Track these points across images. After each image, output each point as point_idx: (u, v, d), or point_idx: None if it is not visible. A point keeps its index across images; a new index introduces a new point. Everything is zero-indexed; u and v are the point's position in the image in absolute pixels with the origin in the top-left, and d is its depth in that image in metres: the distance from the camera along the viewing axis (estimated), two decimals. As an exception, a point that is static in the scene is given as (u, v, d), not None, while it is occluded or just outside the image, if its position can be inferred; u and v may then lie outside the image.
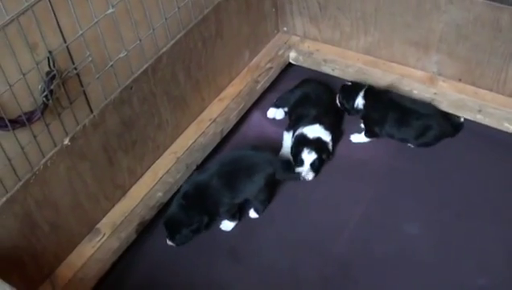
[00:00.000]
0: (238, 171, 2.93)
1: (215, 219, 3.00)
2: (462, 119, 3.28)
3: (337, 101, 3.43)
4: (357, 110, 3.35)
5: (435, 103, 3.32)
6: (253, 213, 3.06)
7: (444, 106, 3.31)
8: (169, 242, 2.91)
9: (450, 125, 3.26)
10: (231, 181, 2.90)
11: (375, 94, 3.33)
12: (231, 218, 3.01)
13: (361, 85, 3.37)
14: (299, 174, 3.11)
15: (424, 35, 3.29)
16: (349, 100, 3.36)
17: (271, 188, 3.08)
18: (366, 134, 3.35)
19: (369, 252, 2.83)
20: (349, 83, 3.44)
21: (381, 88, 3.41)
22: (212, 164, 3.00)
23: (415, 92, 3.36)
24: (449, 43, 3.23)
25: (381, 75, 3.45)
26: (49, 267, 2.70)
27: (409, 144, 3.27)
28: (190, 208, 2.86)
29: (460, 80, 3.35)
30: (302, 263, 2.83)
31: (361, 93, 3.32)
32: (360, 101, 3.32)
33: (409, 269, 2.75)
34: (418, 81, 3.40)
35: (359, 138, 3.37)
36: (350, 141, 3.36)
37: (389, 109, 3.26)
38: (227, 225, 3.02)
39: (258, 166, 2.94)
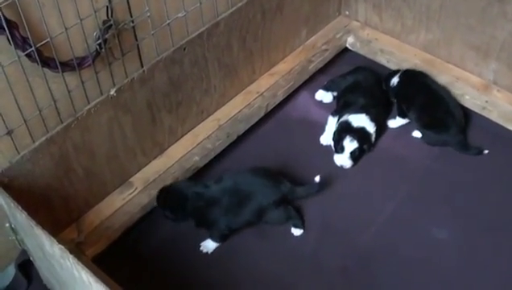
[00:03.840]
0: (246, 197, 2.75)
1: (199, 228, 2.83)
2: (486, 152, 3.14)
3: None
4: (393, 89, 3.35)
5: (485, 112, 3.26)
6: None
7: (494, 116, 3.25)
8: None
9: (465, 141, 3.20)
10: (236, 206, 2.75)
11: (411, 74, 3.35)
12: (217, 240, 2.81)
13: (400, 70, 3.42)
14: (316, 186, 2.89)
15: (486, 41, 3.22)
16: (387, 82, 3.38)
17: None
18: (399, 115, 3.33)
19: (393, 250, 2.81)
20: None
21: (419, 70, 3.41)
22: (227, 178, 2.80)
23: (467, 97, 3.30)
24: (510, 53, 3.16)
25: (436, 74, 3.38)
26: (77, 212, 2.75)
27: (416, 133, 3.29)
28: (185, 207, 2.74)
29: (515, 92, 3.28)
30: (324, 250, 2.83)
31: (398, 74, 3.35)
32: (395, 80, 3.33)
33: (429, 273, 2.72)
34: (471, 86, 3.33)
35: (395, 123, 3.35)
36: (392, 135, 3.32)
37: (419, 92, 3.26)
38: (209, 245, 2.82)
39: (263, 196, 2.76)
